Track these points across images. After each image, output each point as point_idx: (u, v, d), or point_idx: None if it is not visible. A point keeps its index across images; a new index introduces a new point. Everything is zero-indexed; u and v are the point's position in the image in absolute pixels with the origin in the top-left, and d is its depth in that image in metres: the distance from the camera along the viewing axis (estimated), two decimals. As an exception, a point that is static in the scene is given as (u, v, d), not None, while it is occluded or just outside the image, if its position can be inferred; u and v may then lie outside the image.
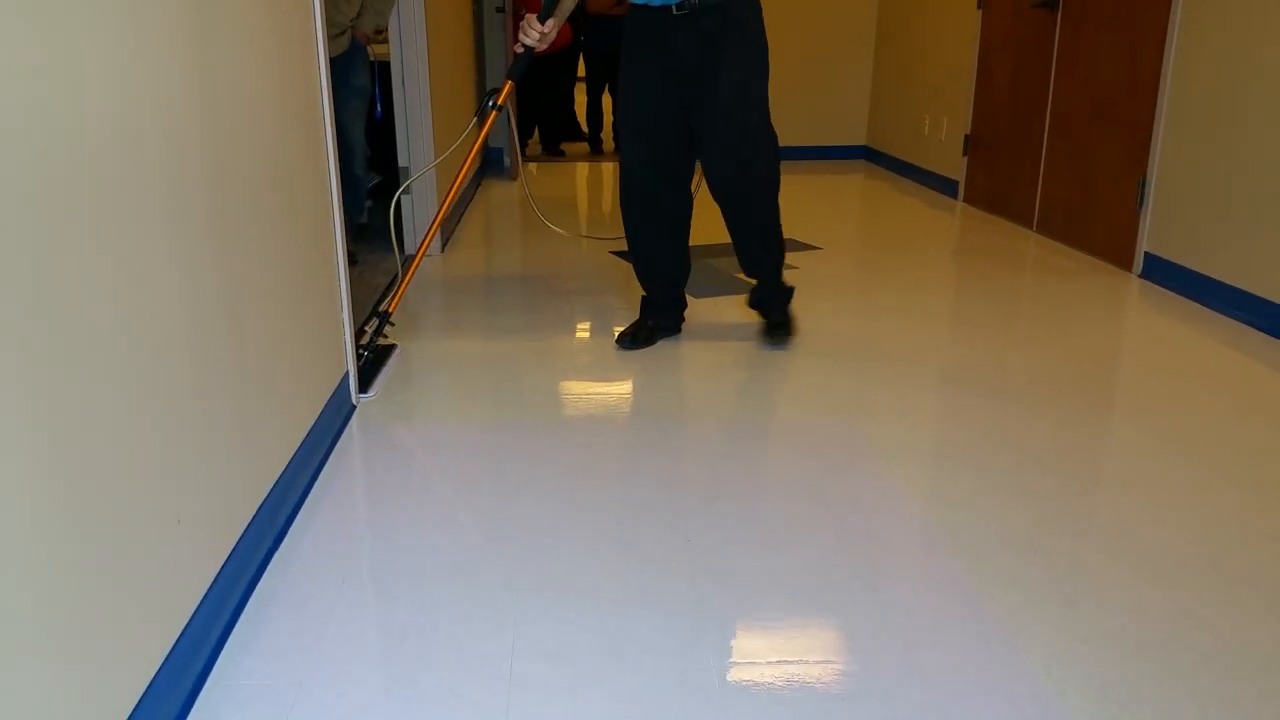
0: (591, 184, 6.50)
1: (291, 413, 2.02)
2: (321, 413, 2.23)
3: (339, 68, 3.58)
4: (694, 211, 2.99)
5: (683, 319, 3.14)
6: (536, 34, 2.79)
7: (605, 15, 6.83)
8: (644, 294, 3.08)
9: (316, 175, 2.26)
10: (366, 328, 2.92)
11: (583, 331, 3.18)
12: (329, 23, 2.89)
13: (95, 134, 1.21)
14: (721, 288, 3.66)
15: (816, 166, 6.71)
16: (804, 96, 6.81)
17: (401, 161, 4.11)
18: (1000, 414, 2.48)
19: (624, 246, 3.08)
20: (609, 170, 6.90)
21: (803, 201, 5.45)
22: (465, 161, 2.98)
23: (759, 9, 2.76)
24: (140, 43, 1.35)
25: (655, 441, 2.32)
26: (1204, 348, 3.01)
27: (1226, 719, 1.40)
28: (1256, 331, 3.15)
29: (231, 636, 1.58)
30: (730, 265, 3.73)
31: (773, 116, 2.84)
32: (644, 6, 2.75)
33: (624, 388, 2.68)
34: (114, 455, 1.23)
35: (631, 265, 3.06)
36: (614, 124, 7.57)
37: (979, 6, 5.21)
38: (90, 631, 1.17)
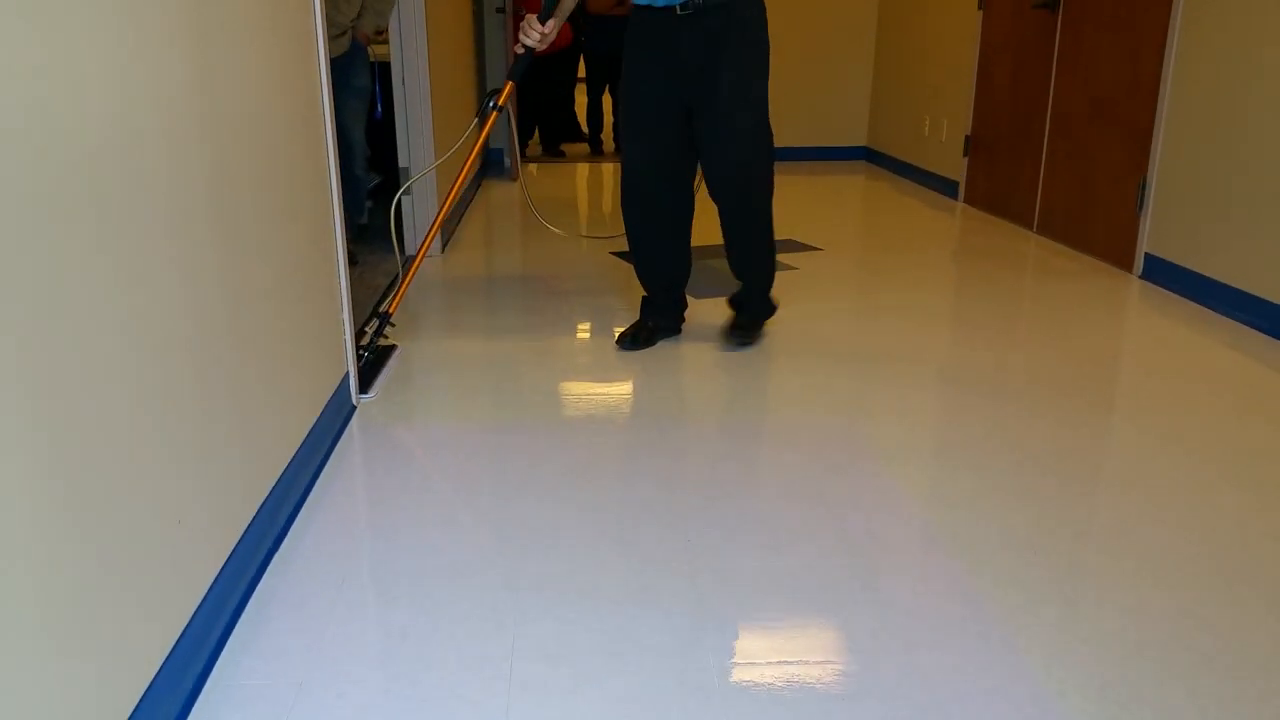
0: (592, 185, 6.50)
1: (292, 413, 2.02)
2: (322, 413, 2.23)
3: (339, 68, 3.58)
4: (694, 212, 2.99)
5: (683, 319, 3.14)
6: (537, 35, 2.79)
7: (605, 16, 6.83)
8: (644, 294, 3.08)
9: (317, 175, 2.26)
10: (367, 328, 2.92)
11: (583, 332, 3.18)
12: (329, 23, 2.89)
13: (95, 134, 1.21)
14: (722, 288, 3.65)
15: (817, 167, 6.71)
16: (804, 97, 6.81)
17: (402, 162, 4.11)
18: (1000, 414, 2.48)
19: (624, 247, 3.08)
20: (609, 171, 6.90)
21: (803, 202, 5.45)
22: (466, 163, 2.98)
23: (763, 9, 2.76)
24: (140, 43, 1.35)
25: (655, 441, 2.32)
26: (1204, 348, 3.01)
27: (1226, 719, 1.40)
28: (1257, 332, 3.15)
29: (232, 636, 1.58)
30: (730, 266, 3.73)
31: (773, 117, 2.85)
32: (647, 7, 2.75)
33: (624, 388, 2.68)
34: (114, 455, 1.23)
35: (632, 266, 3.07)
36: (614, 125, 7.58)
37: (979, 7, 5.21)
38: (91, 632, 1.17)
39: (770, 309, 3.10)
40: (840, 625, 1.61)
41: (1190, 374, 2.78)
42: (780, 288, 3.62)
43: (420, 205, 4.17)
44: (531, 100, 7.16)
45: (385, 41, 4.09)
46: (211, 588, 1.53)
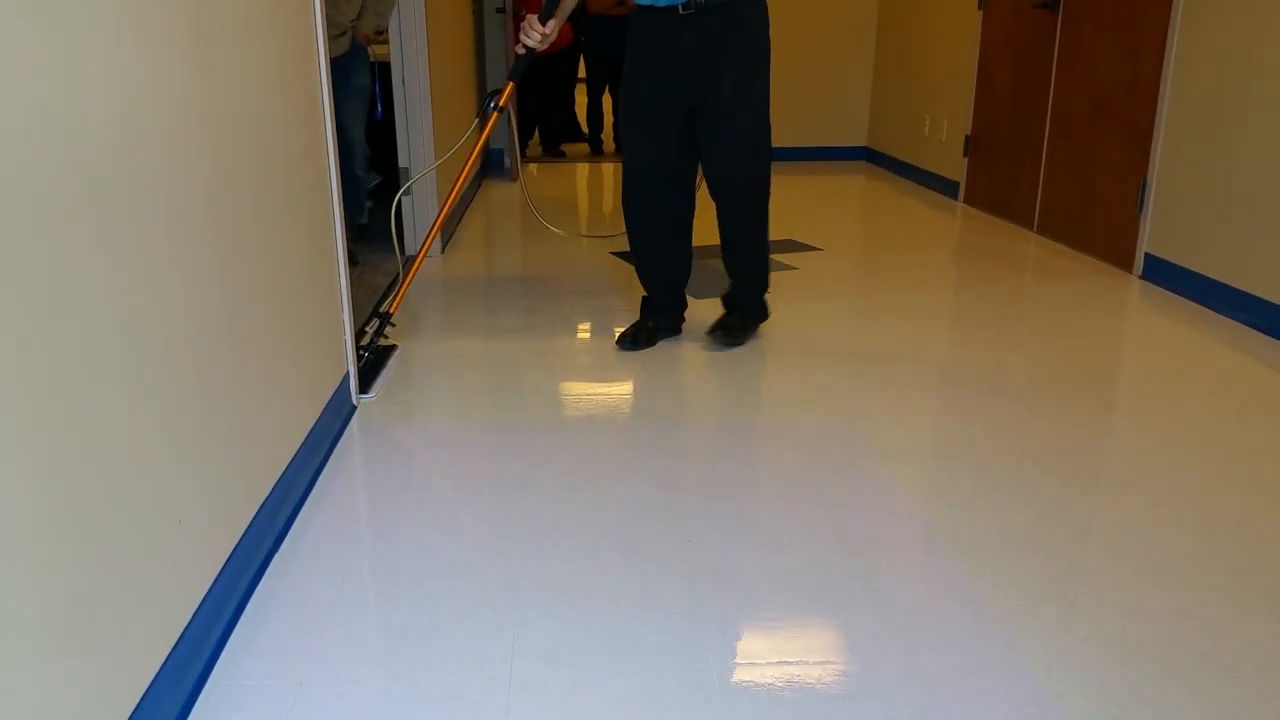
0: (592, 185, 6.50)
1: (292, 413, 2.02)
2: (322, 413, 2.23)
3: (339, 68, 3.58)
4: (695, 212, 3.00)
5: (683, 320, 3.14)
6: (538, 35, 2.79)
7: (605, 16, 6.83)
8: (644, 295, 3.08)
9: (317, 175, 2.26)
10: (367, 328, 2.92)
11: (583, 332, 3.18)
12: (329, 23, 2.89)
13: (95, 134, 1.21)
14: (722, 289, 3.65)
15: (817, 167, 6.71)
16: (804, 97, 6.81)
17: (402, 162, 4.11)
18: (1000, 414, 2.48)
19: (624, 247, 3.08)
20: (609, 171, 6.90)
21: (803, 202, 5.45)
22: (467, 163, 2.98)
23: (764, 9, 2.76)
24: (140, 43, 1.35)
25: (655, 441, 2.32)
26: (1204, 348, 3.01)
27: (1226, 719, 1.40)
28: (1257, 332, 3.15)
29: (232, 637, 1.58)
30: (730, 266, 3.73)
31: (773, 117, 2.85)
32: (650, 7, 2.75)
33: (624, 388, 2.68)
34: (114, 455, 1.23)
35: (632, 266, 3.07)
36: (614, 125, 7.58)
37: (979, 7, 5.21)
38: (91, 632, 1.17)
39: (763, 313, 3.10)
40: (840, 625, 1.61)
41: (1190, 374, 2.78)
42: (780, 288, 3.62)
43: (420, 205, 4.17)
44: (532, 100, 7.16)
45: (385, 41, 4.09)
46: (211, 588, 1.53)
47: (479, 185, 6.05)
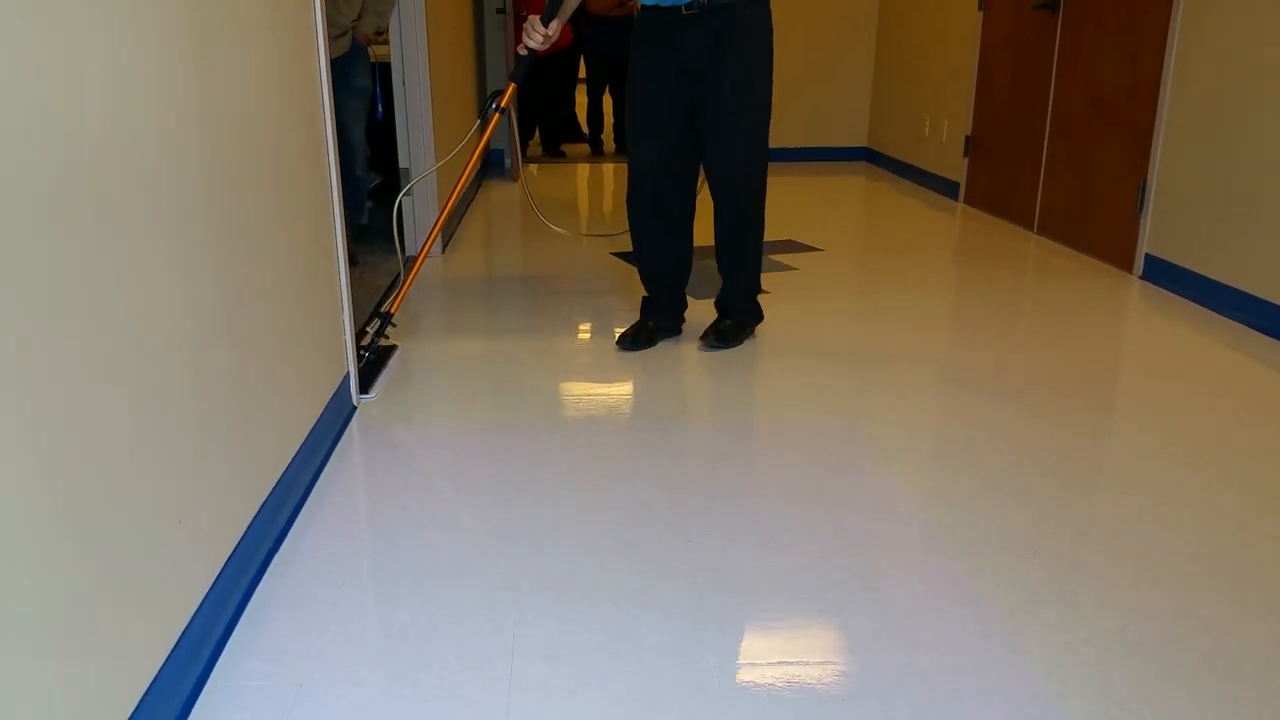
0: (592, 185, 6.50)
1: (292, 413, 2.02)
2: (322, 413, 2.23)
3: (340, 69, 3.58)
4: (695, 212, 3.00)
5: (683, 320, 3.14)
6: (540, 36, 2.79)
7: (606, 16, 6.83)
8: (645, 295, 3.08)
9: (317, 176, 2.26)
10: (368, 328, 2.93)
11: (583, 332, 3.18)
12: (329, 23, 2.89)
13: (95, 134, 1.21)
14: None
15: (818, 168, 6.70)
16: (805, 98, 6.81)
17: (402, 162, 4.11)
18: (1000, 414, 2.48)
19: (624, 247, 3.08)
20: (609, 171, 6.90)
21: (803, 202, 5.45)
22: (468, 164, 2.98)
23: (767, 9, 2.76)
24: (140, 43, 1.35)
25: (655, 441, 2.32)
26: (1204, 349, 3.01)
27: (1226, 719, 1.40)
28: (1257, 332, 3.15)
29: (232, 637, 1.58)
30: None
31: (773, 117, 2.85)
32: (654, 7, 2.76)
33: (624, 388, 2.68)
34: (114, 455, 1.23)
35: (633, 265, 3.06)
36: (614, 125, 7.59)
37: (980, 8, 5.21)
38: (90, 632, 1.17)
39: (757, 315, 3.10)
40: (840, 625, 1.61)
41: (1190, 374, 2.78)
42: (780, 288, 3.63)
43: (421, 206, 4.17)
44: (532, 100, 7.17)
45: (385, 42, 4.09)
46: (211, 588, 1.53)
47: (479, 185, 6.05)
